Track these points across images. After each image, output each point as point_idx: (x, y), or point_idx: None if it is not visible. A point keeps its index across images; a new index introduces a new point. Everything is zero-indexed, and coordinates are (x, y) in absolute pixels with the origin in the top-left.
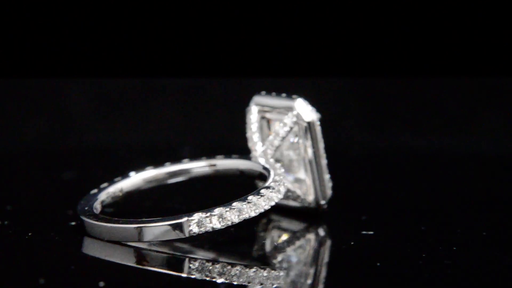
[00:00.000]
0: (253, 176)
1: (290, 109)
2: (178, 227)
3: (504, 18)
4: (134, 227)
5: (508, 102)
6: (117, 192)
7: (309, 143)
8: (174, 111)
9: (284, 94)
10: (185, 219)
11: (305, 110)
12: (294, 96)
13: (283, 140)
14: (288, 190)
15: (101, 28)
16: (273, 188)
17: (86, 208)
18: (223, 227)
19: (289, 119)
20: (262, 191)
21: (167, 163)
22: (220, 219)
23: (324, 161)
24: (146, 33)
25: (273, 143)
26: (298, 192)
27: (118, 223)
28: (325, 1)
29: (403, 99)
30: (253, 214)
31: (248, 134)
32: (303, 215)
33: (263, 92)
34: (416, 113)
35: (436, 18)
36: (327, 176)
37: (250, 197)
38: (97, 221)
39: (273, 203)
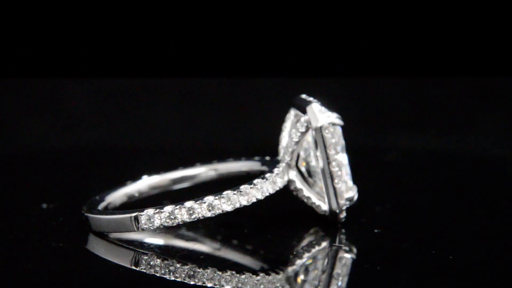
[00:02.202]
0: (255, 176)
1: (304, 113)
2: (129, 221)
3: (504, 18)
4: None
5: (508, 102)
6: (135, 193)
7: (318, 149)
8: (173, 111)
9: (311, 98)
10: (135, 213)
11: (315, 115)
12: (312, 100)
13: (297, 145)
14: (304, 197)
15: (101, 28)
16: (241, 191)
17: (90, 205)
18: (173, 224)
19: (300, 124)
20: (225, 193)
21: (164, 172)
22: (172, 216)
23: (335, 169)
24: (146, 33)
25: (288, 148)
26: (313, 199)
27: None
28: (326, 1)
29: (403, 99)
30: (208, 215)
31: (280, 137)
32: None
33: (304, 95)
34: (416, 113)
35: (437, 18)
36: (339, 185)
37: (206, 198)
38: (95, 214)
39: (238, 205)
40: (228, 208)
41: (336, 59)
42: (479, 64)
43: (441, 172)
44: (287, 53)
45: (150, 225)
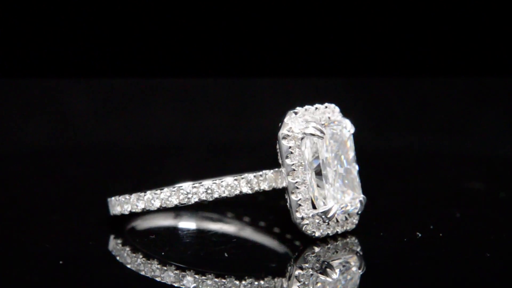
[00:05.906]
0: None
1: None
2: (109, 204)
3: (504, 18)
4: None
5: (508, 102)
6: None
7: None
8: (174, 111)
9: (311, 107)
10: (109, 198)
11: (283, 123)
12: (298, 109)
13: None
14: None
15: (101, 28)
16: (189, 190)
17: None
18: (124, 213)
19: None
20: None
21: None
22: (126, 206)
23: (292, 180)
24: (146, 33)
25: (280, 158)
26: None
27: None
28: (326, 1)
29: (403, 99)
30: (151, 209)
31: None
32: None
33: (322, 104)
34: (416, 113)
35: (436, 18)
36: (297, 198)
37: (147, 192)
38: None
39: (184, 202)
40: (174, 202)
41: (337, 59)
42: (479, 64)
43: (441, 172)
44: (287, 53)
45: (114, 212)
